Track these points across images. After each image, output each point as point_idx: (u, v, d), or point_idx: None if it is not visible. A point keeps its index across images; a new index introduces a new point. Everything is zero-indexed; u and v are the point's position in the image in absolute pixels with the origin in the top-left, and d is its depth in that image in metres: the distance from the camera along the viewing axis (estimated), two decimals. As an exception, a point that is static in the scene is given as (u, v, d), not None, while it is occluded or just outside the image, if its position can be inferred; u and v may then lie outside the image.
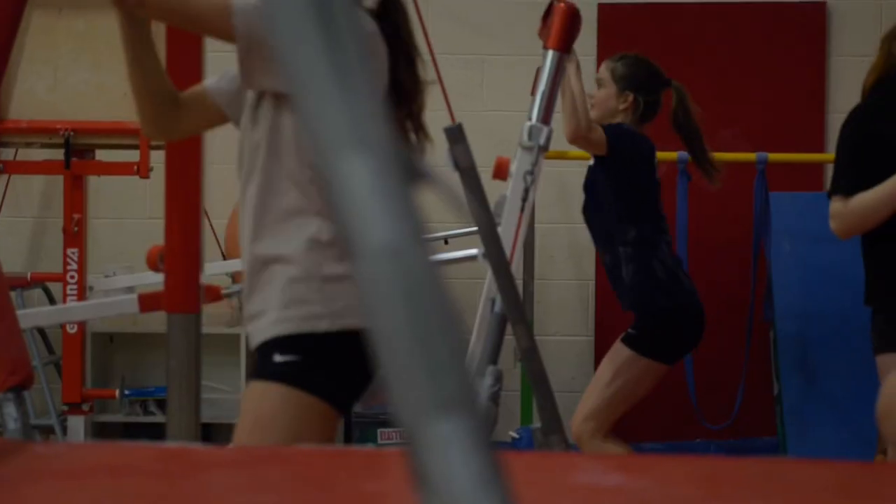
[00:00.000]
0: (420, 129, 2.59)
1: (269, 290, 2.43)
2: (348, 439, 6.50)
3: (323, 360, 2.43)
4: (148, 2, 2.50)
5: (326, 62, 0.72)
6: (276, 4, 0.73)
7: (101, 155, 5.24)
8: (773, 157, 5.58)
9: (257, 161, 2.48)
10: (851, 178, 3.60)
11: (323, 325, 2.41)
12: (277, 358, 2.41)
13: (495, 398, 3.40)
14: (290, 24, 0.72)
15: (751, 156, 5.67)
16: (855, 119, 3.76)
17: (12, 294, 4.48)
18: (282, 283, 2.42)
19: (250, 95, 2.52)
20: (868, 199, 3.58)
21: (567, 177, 6.52)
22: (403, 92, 2.54)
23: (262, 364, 2.46)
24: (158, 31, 2.87)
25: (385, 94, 2.47)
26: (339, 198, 0.72)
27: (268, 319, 2.43)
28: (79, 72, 4.89)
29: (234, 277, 5.62)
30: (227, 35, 2.41)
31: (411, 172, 0.74)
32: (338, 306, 2.42)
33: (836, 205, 3.62)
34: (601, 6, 6.37)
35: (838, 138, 3.75)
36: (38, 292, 6.46)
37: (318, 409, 2.43)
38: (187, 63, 3.14)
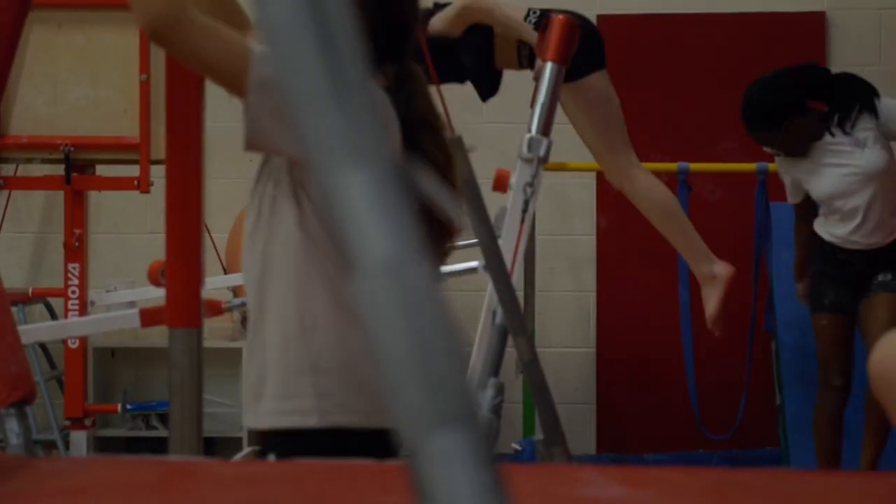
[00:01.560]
0: (457, 194, 2.46)
1: (267, 369, 2.38)
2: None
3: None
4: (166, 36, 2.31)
5: (324, 76, 0.72)
6: (273, 18, 0.73)
7: (102, 170, 5.24)
8: (774, 167, 5.59)
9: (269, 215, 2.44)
10: None
11: (312, 422, 2.34)
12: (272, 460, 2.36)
13: (497, 410, 3.40)
14: (287, 36, 0.72)
15: (751, 166, 5.67)
16: None
17: (14, 309, 4.48)
18: (277, 367, 2.36)
19: None
20: None
21: (567, 188, 6.52)
22: (433, 163, 2.38)
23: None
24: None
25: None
26: (337, 213, 0.72)
27: (264, 407, 2.38)
28: (78, 87, 4.90)
29: (236, 291, 5.62)
30: (237, 89, 2.32)
31: (411, 186, 0.74)
32: (328, 403, 2.34)
33: None
34: (601, 17, 6.37)
35: None
36: (39, 307, 6.46)
37: None
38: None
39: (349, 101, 0.72)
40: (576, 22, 4.15)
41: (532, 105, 4.14)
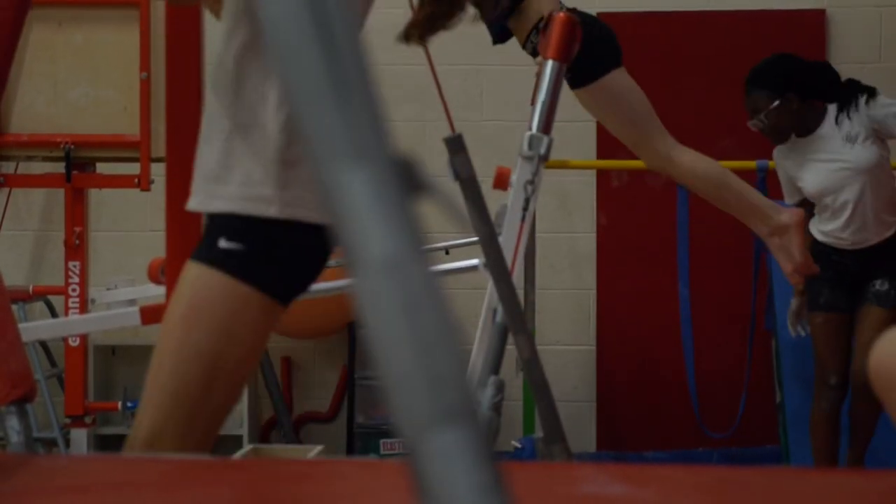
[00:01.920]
0: None
1: (230, 156, 2.32)
2: (350, 450, 6.50)
3: (270, 252, 2.32)
4: None
5: (325, 73, 0.72)
6: (274, 16, 0.73)
7: (102, 168, 5.24)
8: (774, 165, 5.59)
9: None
10: None
11: (272, 211, 2.29)
12: (223, 244, 2.30)
13: (497, 408, 3.40)
14: (288, 34, 0.72)
15: (751, 164, 5.67)
16: None
17: (14, 307, 4.48)
18: (242, 154, 2.31)
19: None
20: None
21: (568, 186, 6.52)
22: None
23: (206, 243, 2.34)
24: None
25: None
26: (338, 210, 0.72)
27: (224, 191, 2.31)
28: (78, 85, 4.89)
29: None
30: None
31: (411, 183, 0.74)
32: (289, 194, 2.30)
33: None
34: (600, 14, 6.37)
35: None
36: (39, 305, 6.46)
37: (259, 303, 2.32)
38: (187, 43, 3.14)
39: (350, 99, 0.72)
40: (577, 19, 4.14)
41: (533, 103, 4.14)
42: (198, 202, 2.38)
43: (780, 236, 4.28)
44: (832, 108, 4.96)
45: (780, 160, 5.06)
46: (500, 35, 4.53)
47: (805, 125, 4.94)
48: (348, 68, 0.73)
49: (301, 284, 2.41)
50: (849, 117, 4.88)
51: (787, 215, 4.27)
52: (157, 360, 2.31)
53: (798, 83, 4.93)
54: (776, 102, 4.90)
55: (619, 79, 4.40)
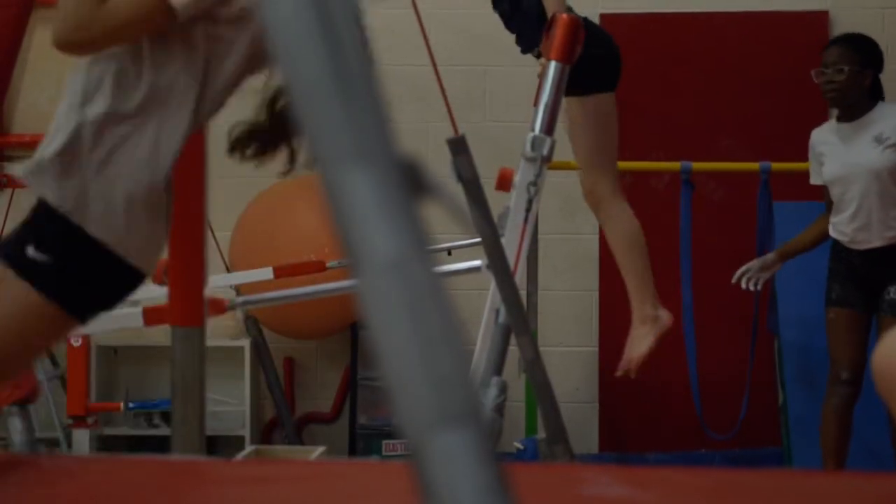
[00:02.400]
0: None
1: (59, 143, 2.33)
2: (353, 451, 6.50)
3: (78, 269, 2.34)
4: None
5: (329, 75, 0.72)
6: (277, 17, 0.73)
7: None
8: (777, 166, 5.59)
9: None
10: None
11: (92, 229, 2.31)
12: (30, 252, 2.31)
13: (500, 409, 3.40)
14: (291, 35, 0.72)
15: (754, 165, 5.67)
16: None
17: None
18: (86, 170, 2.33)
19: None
20: None
21: (570, 187, 6.52)
22: None
23: (14, 245, 2.34)
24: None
25: None
26: (341, 211, 0.72)
27: (53, 183, 2.34)
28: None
29: (238, 290, 5.62)
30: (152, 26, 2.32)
31: (414, 184, 0.74)
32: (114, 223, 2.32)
33: None
34: (603, 16, 6.37)
35: None
36: (42, 306, 6.45)
37: (55, 316, 2.33)
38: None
39: (354, 99, 0.72)
40: (580, 20, 4.14)
41: (535, 104, 4.14)
42: (29, 180, 2.40)
43: (643, 326, 4.42)
44: (878, 107, 4.99)
45: (815, 139, 5.10)
46: (528, 44, 4.52)
47: (857, 108, 4.98)
48: (352, 68, 0.73)
49: (103, 308, 2.43)
50: (886, 121, 4.92)
51: (665, 316, 4.41)
52: None
53: (877, 68, 5.01)
54: (857, 68, 4.96)
55: (606, 103, 4.42)
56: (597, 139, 4.42)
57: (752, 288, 5.24)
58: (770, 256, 5.27)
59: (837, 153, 4.99)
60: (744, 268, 5.26)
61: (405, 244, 0.72)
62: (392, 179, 0.72)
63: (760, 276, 5.24)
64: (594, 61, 4.26)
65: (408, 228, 0.72)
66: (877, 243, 4.92)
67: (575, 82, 4.18)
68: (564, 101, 4.26)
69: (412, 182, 0.74)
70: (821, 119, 5.43)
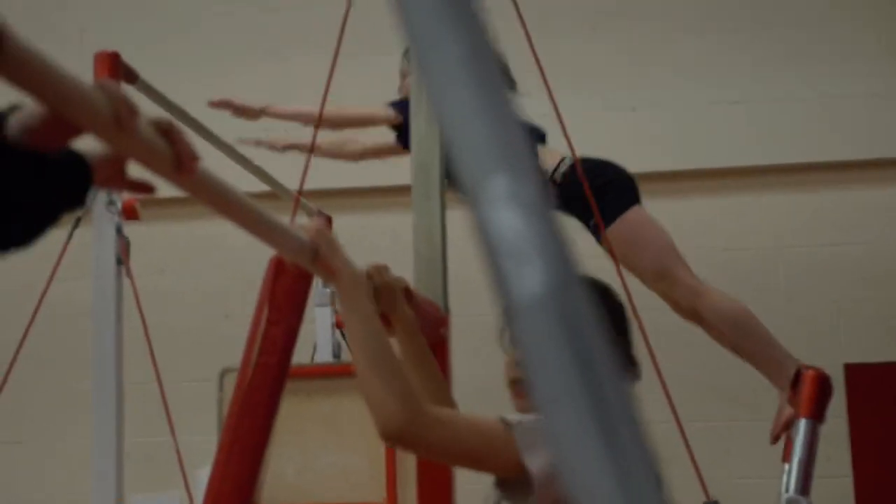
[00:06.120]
0: None
1: None
2: None
3: None
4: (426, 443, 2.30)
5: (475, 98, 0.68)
6: (421, 35, 0.71)
7: None
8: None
9: None
10: None
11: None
12: None
13: None
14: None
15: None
16: None
17: None
18: None
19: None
20: None
21: None
22: None
23: None
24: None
25: None
26: (487, 245, 0.68)
27: None
28: (326, 454, 4.97)
29: None
30: (495, 471, 2.30)
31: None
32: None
33: None
34: (848, 366, 6.23)
35: None
36: None
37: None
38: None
39: (496, 113, 0.69)
40: (827, 375, 4.04)
41: (786, 460, 4.00)
42: None
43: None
44: None
45: None
46: None
47: None
48: (500, 94, 0.69)
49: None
50: None
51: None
52: None
53: None
54: None
55: (639, 212, 4.31)
56: (653, 243, 4.27)
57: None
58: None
59: None
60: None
61: (559, 273, 0.67)
62: (542, 210, 0.68)
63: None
64: (601, 192, 4.19)
65: (560, 257, 0.67)
66: None
67: (604, 215, 4.14)
68: (601, 242, 4.19)
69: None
70: None
